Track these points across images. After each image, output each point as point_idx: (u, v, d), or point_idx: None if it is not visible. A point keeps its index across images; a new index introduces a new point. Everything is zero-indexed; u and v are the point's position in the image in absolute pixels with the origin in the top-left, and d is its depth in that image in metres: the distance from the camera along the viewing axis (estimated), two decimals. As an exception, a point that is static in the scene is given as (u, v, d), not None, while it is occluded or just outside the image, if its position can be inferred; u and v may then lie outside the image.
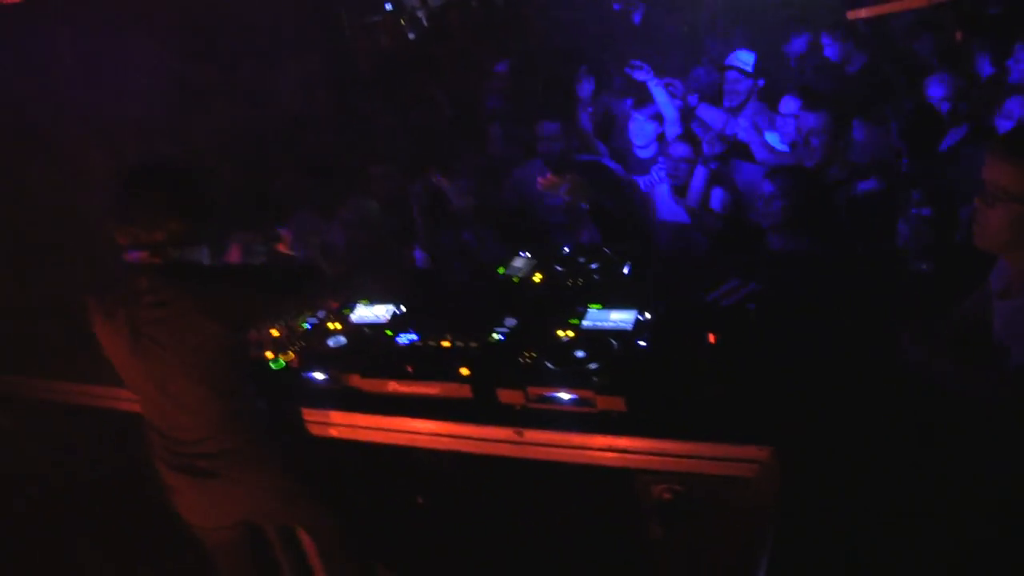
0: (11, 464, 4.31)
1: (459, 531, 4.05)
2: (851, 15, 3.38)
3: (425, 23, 11.49)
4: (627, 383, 2.84)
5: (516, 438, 2.94)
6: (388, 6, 12.03)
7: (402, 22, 11.53)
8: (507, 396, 2.99)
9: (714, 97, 5.98)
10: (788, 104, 5.20)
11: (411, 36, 10.91)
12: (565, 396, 2.89)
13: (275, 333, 3.70)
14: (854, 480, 2.50)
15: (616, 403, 2.81)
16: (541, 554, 3.77)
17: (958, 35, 4.36)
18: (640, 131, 5.71)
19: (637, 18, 8.57)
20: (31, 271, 5.00)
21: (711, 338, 2.95)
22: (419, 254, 4.10)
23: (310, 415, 3.36)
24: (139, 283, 2.92)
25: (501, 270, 3.79)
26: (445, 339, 3.35)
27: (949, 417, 2.50)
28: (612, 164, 5.17)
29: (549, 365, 3.02)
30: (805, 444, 2.58)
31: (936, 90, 5.09)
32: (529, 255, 3.89)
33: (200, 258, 3.03)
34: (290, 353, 3.58)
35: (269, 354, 3.61)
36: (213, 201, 3.06)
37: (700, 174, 4.89)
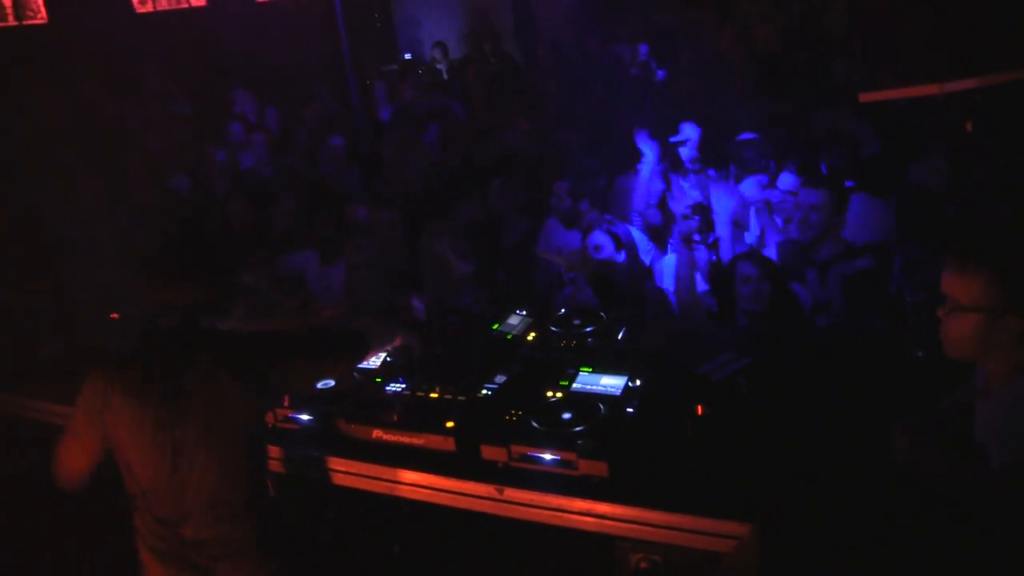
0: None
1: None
2: (864, 98, 3.43)
3: (444, 76, 11.64)
4: (611, 448, 2.83)
5: (496, 495, 2.92)
6: (407, 55, 12.24)
7: (420, 72, 11.69)
8: (490, 452, 2.97)
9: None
10: (786, 180, 5.24)
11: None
12: (548, 457, 2.88)
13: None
14: (834, 566, 2.47)
15: (599, 468, 2.79)
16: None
17: (968, 126, 4.40)
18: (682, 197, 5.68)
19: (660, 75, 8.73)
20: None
21: (699, 410, 2.94)
22: (417, 303, 4.10)
23: (291, 455, 3.34)
24: (168, 353, 2.79)
25: (496, 326, 3.80)
26: (434, 391, 3.34)
27: (937, 509, 2.48)
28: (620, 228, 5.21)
29: (535, 424, 3.01)
30: (787, 524, 2.56)
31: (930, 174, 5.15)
32: (524, 313, 3.89)
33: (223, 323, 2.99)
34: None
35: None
36: (234, 267, 3.04)
37: (675, 256, 4.92)
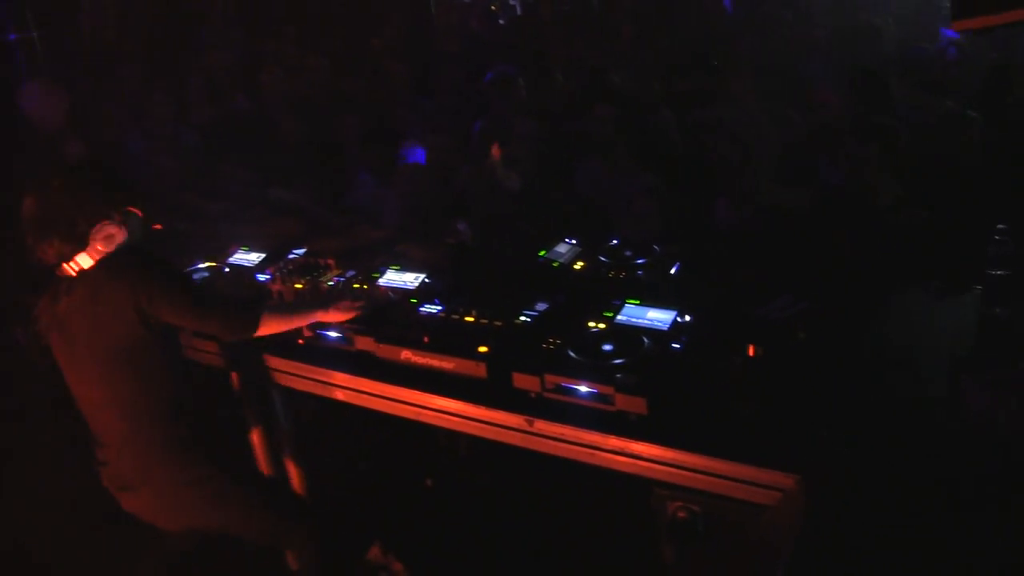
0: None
1: (465, 520, 3.89)
2: (957, 25, 3.10)
3: (519, 12, 11.33)
4: (652, 385, 2.61)
5: (526, 427, 2.73)
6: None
7: (493, 8, 11.39)
8: (523, 381, 2.78)
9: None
10: None
11: (501, 22, 10.73)
12: (583, 389, 2.67)
13: (299, 286, 3.55)
14: (885, 525, 2.24)
15: (637, 404, 2.58)
16: (545, 555, 3.59)
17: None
18: None
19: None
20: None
21: (751, 351, 2.70)
22: (461, 227, 3.92)
23: (316, 373, 3.21)
24: (59, 294, 2.88)
25: (543, 253, 3.59)
26: (470, 315, 3.15)
27: (1001, 471, 2.24)
28: None
29: (572, 354, 2.80)
30: (836, 478, 2.32)
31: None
32: (574, 242, 3.67)
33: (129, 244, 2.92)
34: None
35: (289, 306, 3.47)
36: (120, 194, 2.93)
37: None
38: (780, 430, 2.50)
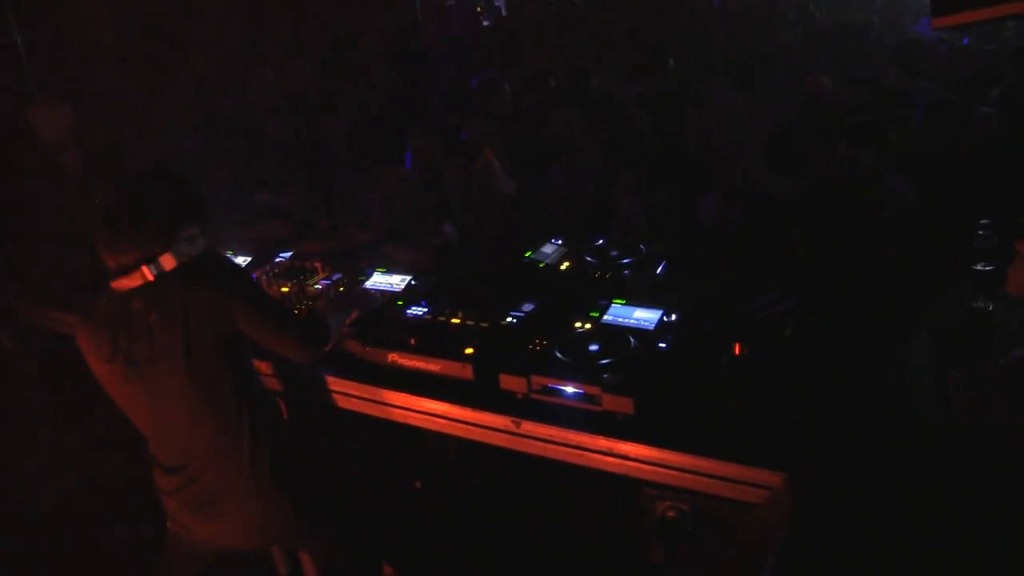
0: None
1: (454, 522, 3.88)
2: (937, 23, 3.08)
3: (504, 13, 11.32)
4: (639, 384, 2.61)
5: (513, 428, 2.73)
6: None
7: (479, 9, 11.39)
8: (509, 382, 2.77)
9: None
10: None
11: (485, 23, 10.73)
12: (570, 390, 2.67)
13: (285, 290, 3.53)
14: (872, 523, 2.24)
15: (624, 404, 2.57)
16: (535, 555, 3.57)
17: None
18: None
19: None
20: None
21: (737, 349, 2.70)
22: (447, 228, 3.90)
23: (303, 376, 3.19)
24: (133, 307, 2.68)
25: (529, 254, 3.58)
26: (456, 316, 3.15)
27: (988, 467, 2.24)
28: None
29: (559, 355, 2.80)
30: (824, 476, 2.32)
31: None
32: (560, 242, 3.67)
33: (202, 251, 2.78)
34: (296, 311, 3.41)
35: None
36: (199, 197, 2.84)
37: None
38: (767, 428, 2.50)
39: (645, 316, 2.98)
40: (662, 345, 2.82)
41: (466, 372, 2.88)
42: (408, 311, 3.25)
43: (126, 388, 2.73)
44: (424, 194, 5.03)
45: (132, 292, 2.67)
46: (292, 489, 2.83)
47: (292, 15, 9.42)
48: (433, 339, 3.03)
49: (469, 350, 2.91)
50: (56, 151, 5.16)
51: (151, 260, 2.65)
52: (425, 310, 3.23)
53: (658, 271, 3.39)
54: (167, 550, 3.01)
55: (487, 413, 2.78)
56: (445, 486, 4.03)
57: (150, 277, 2.65)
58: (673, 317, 2.97)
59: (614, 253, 3.50)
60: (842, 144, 4.18)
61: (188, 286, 2.66)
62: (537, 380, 2.72)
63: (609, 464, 2.59)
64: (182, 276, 2.67)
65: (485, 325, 3.06)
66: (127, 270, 2.65)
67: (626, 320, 2.98)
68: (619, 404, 2.58)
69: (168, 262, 2.66)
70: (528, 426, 2.70)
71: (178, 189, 2.77)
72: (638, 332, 2.89)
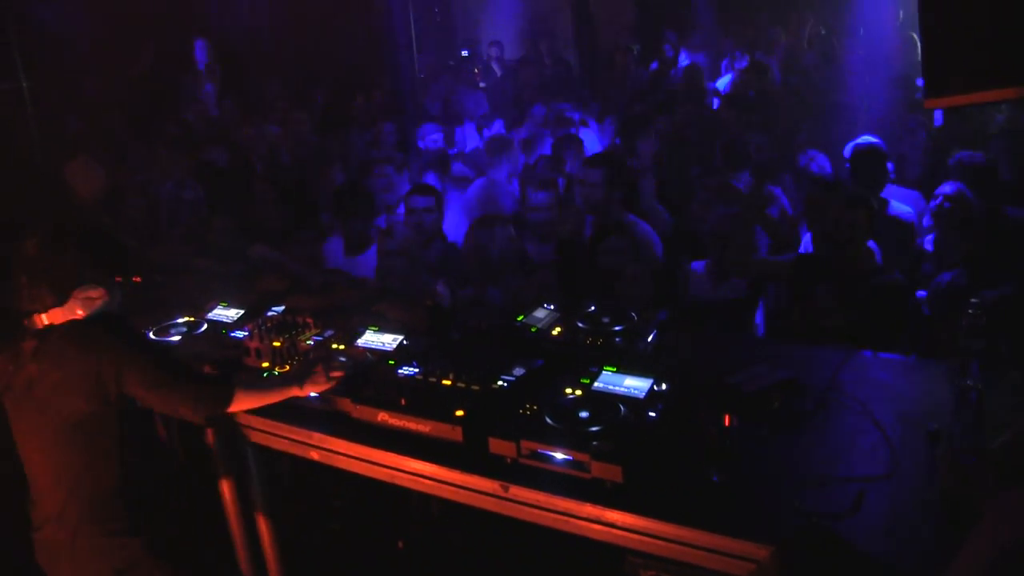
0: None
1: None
2: (929, 104, 3.15)
3: (499, 74, 11.51)
4: (628, 453, 2.62)
5: (501, 492, 2.73)
6: (465, 52, 12.12)
7: (476, 71, 11.57)
8: (498, 447, 2.78)
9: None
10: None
11: (482, 84, 10.90)
12: (559, 456, 2.68)
13: (276, 344, 3.54)
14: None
15: (612, 472, 2.58)
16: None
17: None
18: None
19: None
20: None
21: (727, 420, 2.73)
22: (441, 289, 3.94)
23: (292, 432, 3.19)
24: (24, 349, 2.86)
25: (520, 318, 3.61)
26: (447, 378, 3.16)
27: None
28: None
29: (549, 421, 2.81)
30: (810, 551, 2.34)
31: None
32: (552, 307, 3.70)
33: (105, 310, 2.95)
34: (287, 366, 3.43)
35: (266, 364, 3.47)
36: (114, 262, 3.00)
37: None
38: (755, 500, 2.52)
39: (635, 384, 3.00)
40: (652, 414, 2.84)
41: (456, 434, 2.89)
42: (399, 371, 3.26)
43: (11, 416, 2.95)
44: (419, 253, 5.09)
45: (31, 333, 2.85)
46: (120, 552, 2.98)
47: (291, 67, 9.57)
48: (424, 400, 3.04)
49: (460, 412, 2.92)
50: (88, 206, 5.53)
51: (44, 310, 2.83)
52: (416, 370, 3.24)
53: (649, 339, 3.42)
54: None
55: (476, 476, 2.78)
56: (428, 546, 4.02)
57: (39, 326, 2.84)
58: (663, 386, 2.99)
59: (606, 320, 3.53)
60: (838, 207, 4.29)
61: (68, 346, 2.83)
62: (527, 445, 2.73)
63: (596, 532, 2.59)
64: (68, 335, 2.84)
65: (476, 388, 3.07)
66: (27, 315, 2.85)
67: (616, 388, 3.00)
68: (608, 472, 2.59)
69: (56, 316, 2.84)
70: (516, 491, 2.70)
71: (88, 250, 2.92)
72: (628, 400, 2.91)
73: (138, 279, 4.85)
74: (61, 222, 3.01)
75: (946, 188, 4.93)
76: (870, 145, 5.57)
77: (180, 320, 4.00)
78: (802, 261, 4.66)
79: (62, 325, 2.85)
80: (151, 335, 3.86)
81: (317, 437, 3.14)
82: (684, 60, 10.56)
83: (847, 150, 5.68)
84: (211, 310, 4.07)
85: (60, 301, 2.83)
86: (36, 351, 2.84)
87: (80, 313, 2.86)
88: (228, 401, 3.06)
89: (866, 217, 4.30)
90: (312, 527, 4.30)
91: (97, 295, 2.88)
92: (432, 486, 2.90)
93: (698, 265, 5.03)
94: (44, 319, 2.84)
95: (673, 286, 4.62)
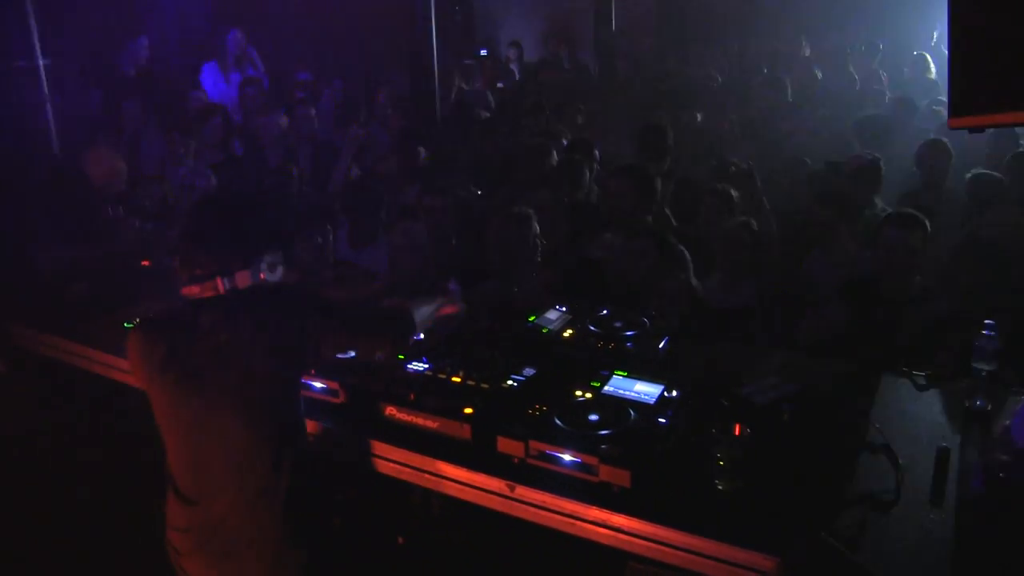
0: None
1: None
2: (953, 124, 3.13)
3: (517, 76, 11.50)
4: (637, 458, 2.61)
5: (507, 492, 2.72)
6: (483, 51, 12.12)
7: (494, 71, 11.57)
8: (507, 446, 2.77)
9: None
10: None
11: (499, 85, 10.89)
12: (568, 458, 2.66)
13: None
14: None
15: (621, 476, 2.57)
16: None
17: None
18: None
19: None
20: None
21: (737, 430, 2.71)
22: (453, 287, 3.92)
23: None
24: (199, 318, 2.66)
25: (532, 318, 3.59)
26: (457, 375, 3.15)
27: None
28: None
29: (558, 422, 2.80)
30: (817, 563, 2.32)
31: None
32: (565, 309, 3.69)
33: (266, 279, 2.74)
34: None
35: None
36: (278, 228, 2.91)
37: None
38: (763, 511, 2.50)
39: (646, 390, 2.99)
40: (662, 420, 2.83)
41: (464, 432, 2.88)
42: (408, 365, 3.25)
43: (172, 399, 2.66)
44: (431, 251, 5.07)
45: (201, 303, 2.65)
46: (310, 544, 2.77)
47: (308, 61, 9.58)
48: (432, 396, 3.03)
49: (468, 410, 2.91)
50: (104, 193, 5.62)
51: (226, 274, 2.63)
52: (426, 366, 3.23)
53: (661, 345, 3.40)
54: None
55: (482, 475, 2.77)
56: (428, 543, 4.00)
57: (222, 290, 2.63)
58: (674, 393, 2.97)
59: (618, 324, 3.51)
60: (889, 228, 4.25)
61: (260, 310, 2.67)
62: (535, 446, 2.72)
63: (601, 535, 2.58)
64: (255, 299, 2.67)
65: (485, 386, 3.06)
66: (200, 279, 2.63)
67: (627, 392, 2.99)
68: (616, 476, 2.58)
69: (243, 280, 2.65)
70: (522, 491, 2.69)
71: (269, 216, 2.81)
72: (638, 405, 2.90)
73: (147, 262, 4.88)
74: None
75: None
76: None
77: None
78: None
79: (247, 290, 2.66)
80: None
81: (322, 429, 3.12)
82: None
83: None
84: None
85: (246, 264, 2.66)
86: (216, 314, 2.64)
87: (263, 277, 2.69)
88: (414, 330, 2.99)
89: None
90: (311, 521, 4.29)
91: (278, 260, 2.74)
92: (437, 482, 2.89)
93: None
94: (226, 283, 2.63)
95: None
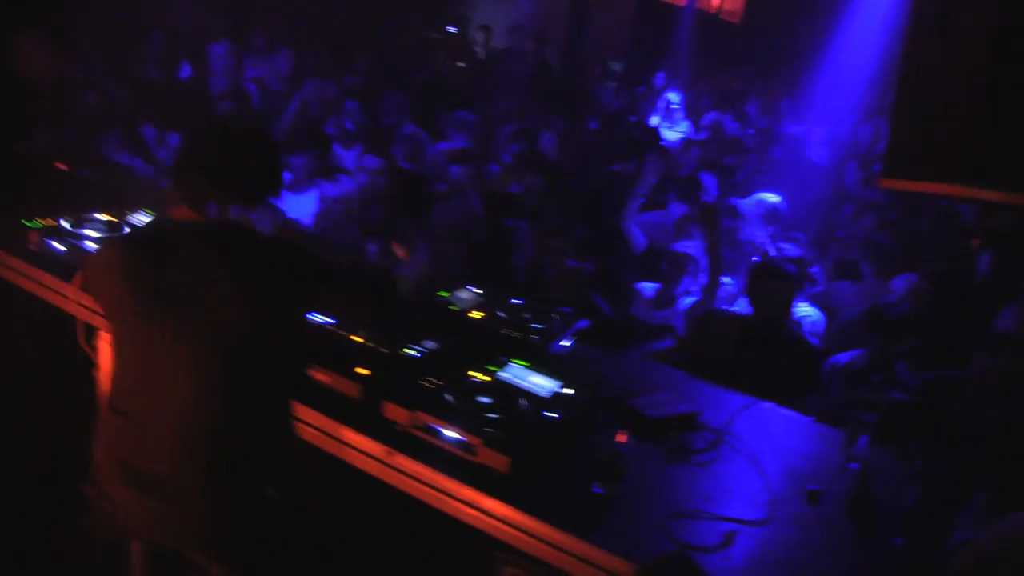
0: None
1: (297, 535, 3.79)
2: (885, 183, 3.22)
3: (481, 57, 11.43)
4: (520, 446, 2.62)
5: (384, 457, 2.70)
6: (452, 28, 12.04)
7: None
8: (392, 412, 2.75)
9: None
10: None
11: (460, 65, 10.83)
12: (450, 434, 2.66)
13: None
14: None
15: (499, 461, 2.57)
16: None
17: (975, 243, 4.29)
18: None
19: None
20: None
21: (621, 438, 2.74)
22: (372, 248, 3.89)
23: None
24: (187, 244, 2.39)
25: (444, 294, 3.58)
26: (359, 335, 3.12)
27: None
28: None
29: (447, 397, 2.79)
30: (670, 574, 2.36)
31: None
32: (478, 291, 3.68)
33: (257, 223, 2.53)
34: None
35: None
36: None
37: None
38: (632, 520, 2.54)
39: (542, 383, 3.00)
40: (552, 415, 2.84)
41: (353, 390, 2.86)
42: (314, 318, 3.21)
43: (140, 315, 2.39)
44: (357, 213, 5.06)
45: (191, 225, 2.42)
46: (256, 512, 2.58)
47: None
48: (330, 351, 3.00)
49: (363, 370, 2.89)
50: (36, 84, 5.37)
51: (222, 202, 2.42)
52: (332, 321, 3.19)
53: (564, 343, 3.42)
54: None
55: (364, 436, 2.75)
56: (299, 495, 3.97)
57: (213, 216, 2.41)
58: (569, 391, 2.99)
59: (527, 315, 3.53)
60: None
61: (247, 251, 2.42)
62: (421, 416, 2.70)
63: (470, 517, 2.58)
64: (245, 240, 2.44)
65: (384, 351, 3.05)
66: (193, 201, 2.40)
67: (522, 382, 3.00)
68: (495, 460, 2.58)
69: (236, 213, 2.44)
70: (400, 460, 2.67)
71: (278, 162, 2.57)
72: (531, 396, 2.91)
73: (63, 166, 4.71)
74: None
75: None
76: None
77: (100, 217, 3.86)
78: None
79: (238, 228, 2.44)
80: (65, 224, 3.71)
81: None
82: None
83: None
84: (134, 214, 3.95)
85: (245, 199, 2.45)
86: (205, 239, 2.40)
87: (260, 222, 2.52)
88: (399, 294, 2.76)
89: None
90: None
91: (274, 209, 2.73)
92: (318, 437, 2.86)
93: (648, 287, 5.09)
94: (219, 211, 2.41)
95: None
